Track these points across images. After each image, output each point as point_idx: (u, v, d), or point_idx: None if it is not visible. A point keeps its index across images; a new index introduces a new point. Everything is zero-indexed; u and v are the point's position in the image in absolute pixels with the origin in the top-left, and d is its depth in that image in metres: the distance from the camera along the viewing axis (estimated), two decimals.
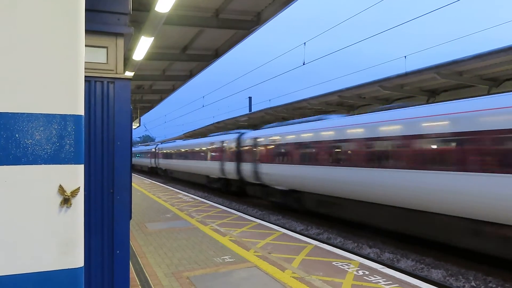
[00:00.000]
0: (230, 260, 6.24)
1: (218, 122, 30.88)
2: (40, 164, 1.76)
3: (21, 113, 1.73)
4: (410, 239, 10.50)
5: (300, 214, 15.70)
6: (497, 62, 11.50)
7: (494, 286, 7.70)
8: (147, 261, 6.19)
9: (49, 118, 1.77)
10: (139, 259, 6.34)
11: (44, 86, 1.77)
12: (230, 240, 7.64)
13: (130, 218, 3.86)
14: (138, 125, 21.70)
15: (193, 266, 5.90)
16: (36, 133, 1.76)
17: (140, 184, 22.76)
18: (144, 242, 7.51)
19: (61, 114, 1.79)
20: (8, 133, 1.70)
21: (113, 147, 3.62)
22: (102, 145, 3.57)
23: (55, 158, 1.79)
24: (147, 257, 6.43)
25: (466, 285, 7.82)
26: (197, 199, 15.04)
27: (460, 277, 8.28)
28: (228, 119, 28.96)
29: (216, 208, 12.35)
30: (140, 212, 11.42)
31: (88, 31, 3.57)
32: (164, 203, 13.68)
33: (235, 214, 11.08)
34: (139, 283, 5.15)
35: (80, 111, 1.84)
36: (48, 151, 1.78)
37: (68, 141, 1.80)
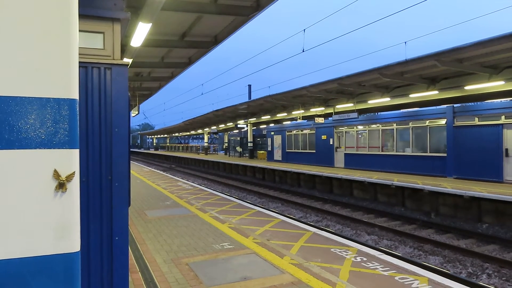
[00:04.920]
0: (229, 246, 6.28)
1: (217, 110, 30.78)
2: (34, 148, 1.74)
3: (13, 96, 1.70)
4: (408, 226, 10.56)
5: (300, 202, 15.78)
6: (498, 49, 11.42)
7: (490, 272, 7.78)
8: (146, 248, 6.23)
9: (42, 102, 1.75)
10: (138, 245, 6.37)
11: (37, 69, 1.74)
12: (229, 227, 7.68)
13: (129, 205, 3.86)
14: (137, 112, 21.65)
15: (193, 253, 5.94)
16: (30, 117, 1.74)
17: (139, 172, 22.80)
18: (143, 229, 7.54)
19: (55, 98, 1.77)
20: (0, 117, 1.68)
21: (110, 133, 3.59)
22: (99, 131, 3.55)
23: (49, 142, 1.77)
24: (146, 244, 6.46)
25: (463, 271, 7.89)
26: (197, 187, 15.08)
27: (458, 263, 8.36)
28: (228, 107, 28.86)
29: (215, 196, 12.39)
30: (140, 199, 11.46)
31: (84, 16, 3.54)
32: (164, 190, 13.71)
33: (234, 202, 11.12)
34: (138, 270, 5.19)
35: (74, 95, 1.82)
36: (42, 135, 1.76)
37: (62, 125, 1.78)
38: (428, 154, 17.52)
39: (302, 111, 24.45)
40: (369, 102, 19.45)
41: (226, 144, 49.92)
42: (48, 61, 1.77)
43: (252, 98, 36.80)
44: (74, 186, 1.83)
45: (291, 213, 14.14)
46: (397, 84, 17.44)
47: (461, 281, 6.67)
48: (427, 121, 17.56)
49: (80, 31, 2.07)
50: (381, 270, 5.10)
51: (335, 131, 23.69)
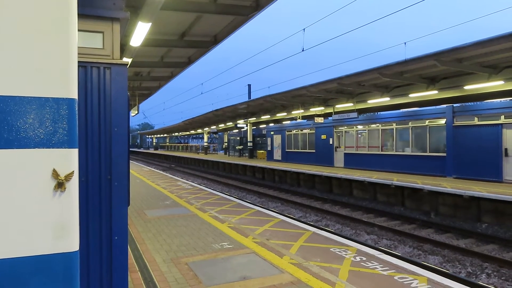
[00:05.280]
0: (229, 246, 6.28)
1: (217, 110, 30.76)
2: (33, 148, 1.75)
3: (13, 96, 1.71)
4: (408, 226, 10.57)
5: (299, 202, 15.78)
6: (497, 49, 11.43)
7: (490, 271, 7.79)
8: (146, 247, 6.23)
9: (41, 101, 1.75)
10: (138, 245, 6.37)
11: (36, 69, 1.74)
12: (228, 226, 7.68)
13: (128, 204, 3.86)
14: (137, 112, 21.63)
15: (192, 252, 5.94)
16: (29, 117, 1.74)
17: (139, 172, 22.80)
18: (143, 229, 7.54)
19: (54, 98, 1.77)
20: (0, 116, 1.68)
21: (110, 133, 3.59)
22: (99, 131, 3.54)
23: (48, 142, 1.77)
24: (146, 244, 6.47)
25: (463, 271, 7.90)
26: (196, 186, 15.08)
27: (457, 263, 8.37)
28: (227, 106, 28.84)
29: (215, 195, 12.39)
30: (139, 199, 11.46)
31: (83, 16, 3.54)
32: (163, 190, 13.72)
33: (234, 201, 11.12)
34: (137, 269, 5.19)
35: (73, 94, 1.82)
36: (41, 134, 1.76)
37: (61, 125, 1.78)
38: (428, 153, 17.53)
39: (302, 110, 24.44)
40: (369, 101, 19.44)
41: (226, 144, 49.93)
42: (47, 60, 1.77)
43: (252, 98, 36.79)
44: (73, 186, 1.83)
45: (291, 213, 14.14)
46: (396, 84, 17.43)
47: (460, 280, 6.67)
48: (427, 121, 17.56)
49: (79, 30, 2.08)
50: (381, 270, 5.10)
51: (334, 130, 23.69)
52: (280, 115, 27.49)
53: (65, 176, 1.79)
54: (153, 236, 6.97)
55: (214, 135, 59.83)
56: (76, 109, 1.85)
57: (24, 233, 1.74)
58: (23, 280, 1.74)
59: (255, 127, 38.22)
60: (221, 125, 41.87)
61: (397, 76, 15.43)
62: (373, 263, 5.39)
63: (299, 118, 25.78)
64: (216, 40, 11.04)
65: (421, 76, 15.62)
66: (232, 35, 10.61)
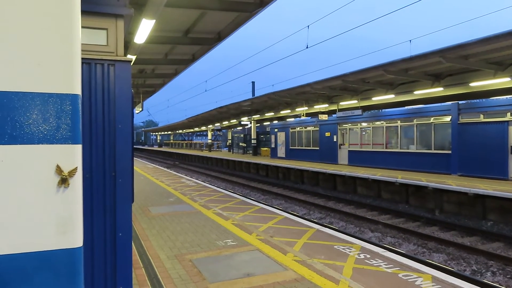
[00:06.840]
0: (233, 243, 6.28)
1: (221, 107, 30.75)
2: (37, 143, 1.75)
3: (16, 91, 1.71)
4: (412, 224, 10.53)
5: (303, 199, 15.77)
6: (503, 46, 11.32)
7: (495, 270, 7.74)
8: (150, 244, 6.25)
9: (44, 97, 1.75)
10: (142, 242, 6.39)
11: (40, 65, 1.74)
12: (232, 224, 7.69)
13: (132, 201, 3.86)
14: (141, 109, 21.65)
15: (196, 249, 5.95)
16: (32, 112, 1.74)
17: (143, 169, 22.86)
18: (147, 226, 7.57)
19: (57, 93, 1.77)
20: (3, 112, 1.68)
21: (114, 130, 3.59)
22: (103, 128, 3.55)
23: (52, 137, 1.77)
24: (150, 240, 6.49)
25: (467, 269, 7.87)
26: (200, 184, 15.10)
27: (462, 261, 8.33)
28: (231, 103, 28.82)
29: (219, 193, 12.40)
30: (144, 196, 11.49)
31: (87, 12, 3.53)
32: (167, 187, 13.75)
33: (238, 199, 11.13)
34: (142, 265, 5.21)
35: (77, 90, 1.82)
36: (44, 130, 1.76)
37: (64, 121, 1.78)
38: (433, 151, 17.44)
39: (306, 108, 24.39)
40: (373, 99, 19.36)
41: (230, 141, 49.97)
42: (50, 56, 1.77)
43: (256, 96, 36.77)
44: (77, 182, 1.83)
45: (295, 210, 14.14)
46: (401, 81, 17.34)
47: (465, 278, 6.64)
48: (432, 118, 17.47)
49: (83, 27, 2.08)
50: (385, 267, 5.08)
51: (339, 128, 23.63)
52: (284, 112, 27.44)
53: (68, 172, 1.79)
54: (157, 233, 6.99)
55: (218, 133, 59.88)
56: (80, 105, 1.85)
57: (28, 229, 1.75)
58: (27, 276, 1.74)
59: (259, 124, 38.18)
60: (225, 123, 41.87)
61: (402, 73, 15.34)
62: (377, 260, 5.38)
63: (303, 115, 25.72)
64: (220, 37, 11.02)
65: (426, 73, 15.52)
66: (236, 32, 10.60)
